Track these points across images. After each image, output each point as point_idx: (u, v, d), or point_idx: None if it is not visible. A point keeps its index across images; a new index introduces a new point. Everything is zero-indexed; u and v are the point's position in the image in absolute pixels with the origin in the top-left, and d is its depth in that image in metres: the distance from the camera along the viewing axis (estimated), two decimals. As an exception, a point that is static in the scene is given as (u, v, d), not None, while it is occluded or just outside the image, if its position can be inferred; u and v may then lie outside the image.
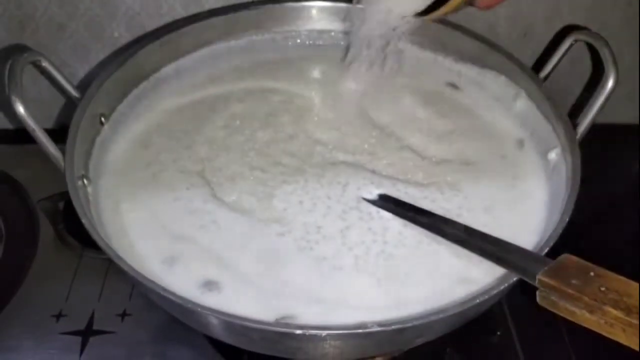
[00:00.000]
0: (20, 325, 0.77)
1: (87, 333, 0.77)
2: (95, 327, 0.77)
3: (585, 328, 0.56)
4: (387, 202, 0.74)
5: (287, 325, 0.60)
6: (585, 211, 0.68)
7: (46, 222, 0.88)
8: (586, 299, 0.54)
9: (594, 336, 0.56)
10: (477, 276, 0.67)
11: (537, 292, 0.59)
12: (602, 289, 0.54)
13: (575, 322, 0.56)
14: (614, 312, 0.53)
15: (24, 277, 0.82)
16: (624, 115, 1.03)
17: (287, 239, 0.72)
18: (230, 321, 0.58)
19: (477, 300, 0.59)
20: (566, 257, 0.59)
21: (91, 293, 0.80)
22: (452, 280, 0.68)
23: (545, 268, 0.58)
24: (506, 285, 0.61)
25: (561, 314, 0.57)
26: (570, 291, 0.55)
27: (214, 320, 0.60)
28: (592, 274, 0.56)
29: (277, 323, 0.61)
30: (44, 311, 0.78)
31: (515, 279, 0.62)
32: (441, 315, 0.58)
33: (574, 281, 0.56)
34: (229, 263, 0.69)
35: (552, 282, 0.57)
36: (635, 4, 0.97)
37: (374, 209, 0.74)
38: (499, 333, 0.79)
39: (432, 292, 0.67)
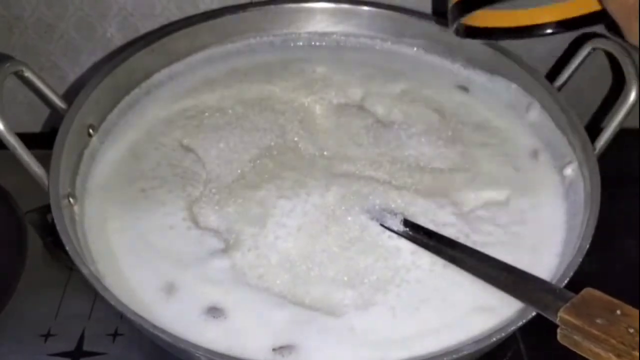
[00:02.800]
0: (6, 345, 0.74)
1: (76, 354, 0.73)
2: (85, 348, 0.74)
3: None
4: (407, 228, 0.71)
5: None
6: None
7: (35, 234, 0.85)
8: (613, 341, 0.51)
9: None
10: (494, 303, 0.64)
11: (558, 330, 0.55)
12: (630, 330, 0.51)
13: None
14: None
15: (11, 293, 0.78)
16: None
17: (291, 259, 0.68)
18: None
19: (493, 339, 0.56)
20: (589, 292, 0.56)
21: (81, 311, 0.77)
22: (469, 308, 0.65)
23: (567, 304, 0.55)
24: (524, 321, 0.58)
25: (584, 355, 0.54)
26: (595, 332, 0.52)
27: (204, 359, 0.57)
28: (618, 312, 0.53)
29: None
30: (32, 330, 0.75)
31: (533, 313, 0.58)
32: (454, 356, 0.55)
33: (598, 320, 0.53)
34: (234, 288, 0.66)
35: (575, 320, 0.54)
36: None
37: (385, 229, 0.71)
38: (509, 355, 0.76)
39: (447, 323, 0.63)
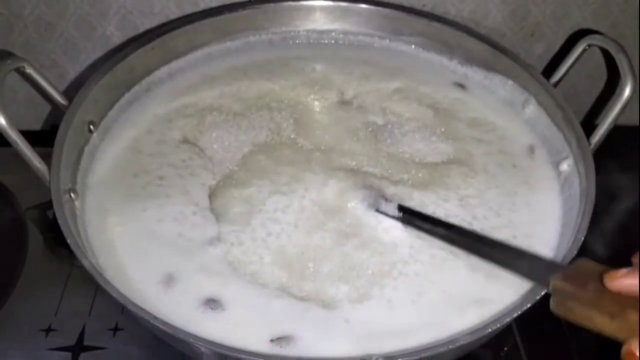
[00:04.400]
0: (7, 340, 0.74)
1: (77, 349, 0.74)
2: (85, 343, 0.74)
3: (597, 343, 0.53)
4: (403, 213, 0.71)
5: (283, 358, 0.58)
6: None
7: (35, 230, 0.85)
8: (606, 302, 0.50)
9: (603, 353, 0.52)
10: (492, 296, 0.65)
11: (551, 299, 0.55)
12: None
13: (594, 329, 0.52)
14: (637, 316, 0.49)
15: (11, 289, 0.78)
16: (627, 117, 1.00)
17: (286, 256, 0.69)
18: (221, 352, 0.56)
19: (489, 330, 0.56)
20: (582, 262, 0.55)
21: (82, 306, 0.77)
22: (466, 300, 0.65)
23: (560, 272, 0.55)
24: (519, 312, 0.58)
25: (577, 321, 0.53)
26: (587, 295, 0.52)
27: (205, 350, 0.57)
28: None
29: (271, 356, 0.59)
30: (33, 325, 0.76)
31: (530, 304, 0.58)
32: (450, 347, 0.55)
33: (591, 285, 0.52)
34: (231, 280, 0.66)
35: (567, 286, 0.53)
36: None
37: (382, 221, 0.71)
38: (506, 349, 0.76)
39: (444, 316, 0.64)
